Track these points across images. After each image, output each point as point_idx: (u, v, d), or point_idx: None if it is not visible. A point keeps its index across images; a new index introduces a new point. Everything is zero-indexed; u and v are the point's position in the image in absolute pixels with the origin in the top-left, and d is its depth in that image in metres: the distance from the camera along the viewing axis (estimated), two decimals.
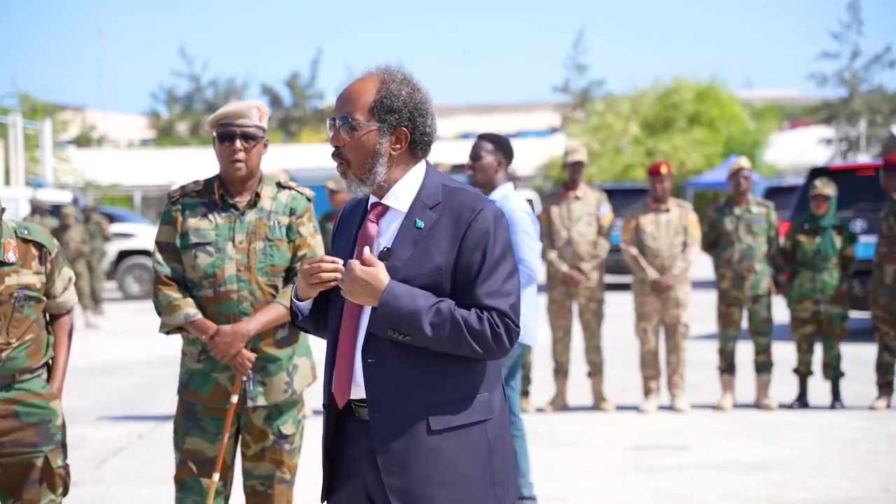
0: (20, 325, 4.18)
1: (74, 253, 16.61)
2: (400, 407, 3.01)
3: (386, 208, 3.11)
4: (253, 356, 4.45)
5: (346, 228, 3.21)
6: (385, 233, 3.09)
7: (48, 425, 4.24)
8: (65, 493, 4.33)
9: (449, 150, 39.76)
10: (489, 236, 3.02)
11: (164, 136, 53.16)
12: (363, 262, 2.99)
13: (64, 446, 4.32)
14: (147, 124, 58.19)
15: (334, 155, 3.08)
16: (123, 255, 21.43)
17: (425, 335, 2.96)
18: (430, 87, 3.14)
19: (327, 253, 3.27)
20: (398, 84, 3.07)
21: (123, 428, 8.98)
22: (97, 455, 7.97)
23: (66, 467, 4.32)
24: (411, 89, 3.08)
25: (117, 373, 11.98)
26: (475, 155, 6.19)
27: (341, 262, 3.04)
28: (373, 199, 3.13)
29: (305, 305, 3.17)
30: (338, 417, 3.14)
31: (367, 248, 3.02)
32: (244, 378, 4.47)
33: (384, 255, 3.04)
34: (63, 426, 4.32)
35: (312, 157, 36.80)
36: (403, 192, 3.09)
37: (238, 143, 4.43)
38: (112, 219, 21.84)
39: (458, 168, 19.33)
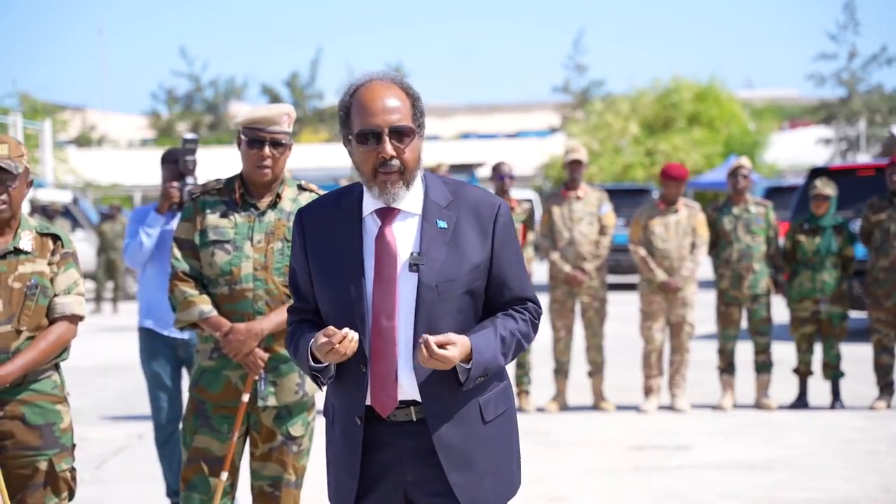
0: (32, 316, 4.15)
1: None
2: (456, 403, 3.09)
3: (397, 212, 3.11)
4: (266, 356, 4.44)
5: (331, 237, 3.15)
6: (401, 238, 3.09)
7: (53, 428, 4.21)
8: (70, 497, 4.28)
9: (449, 150, 39.79)
10: (511, 230, 3.17)
11: (164, 136, 53.11)
12: (430, 348, 2.96)
13: (70, 450, 4.27)
14: (147, 124, 58.17)
15: (384, 165, 3.05)
16: None
17: (502, 365, 3.13)
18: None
19: (297, 259, 3.22)
20: (417, 91, 3.13)
21: (123, 428, 8.98)
22: (97, 455, 7.97)
23: (72, 471, 4.27)
24: None
25: (117, 373, 11.98)
26: None
27: (352, 333, 3.00)
28: (377, 204, 3.11)
29: (329, 368, 3.10)
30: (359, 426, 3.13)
31: (429, 338, 2.96)
32: (256, 377, 4.46)
33: (417, 261, 3.06)
34: (69, 429, 4.27)
35: (312, 157, 36.81)
36: (413, 194, 3.12)
37: (267, 150, 4.45)
38: None
39: (456, 168, 19.34)
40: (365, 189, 3.13)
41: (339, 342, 2.98)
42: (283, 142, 4.48)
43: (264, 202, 4.52)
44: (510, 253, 3.16)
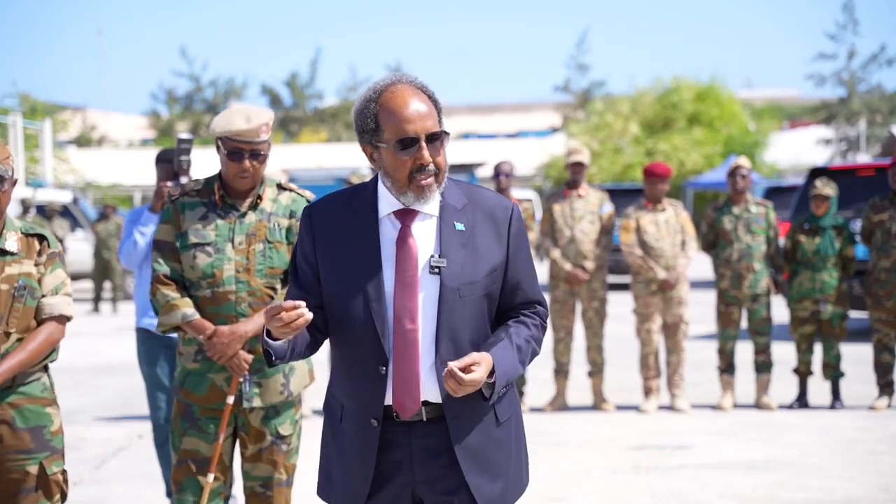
0: (21, 318, 4.11)
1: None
2: (474, 406, 3.10)
3: (416, 214, 3.10)
4: (250, 357, 4.44)
5: (345, 236, 3.13)
6: (420, 239, 3.09)
7: (43, 431, 4.16)
8: (63, 500, 4.24)
9: (449, 149, 39.78)
10: (524, 233, 3.20)
11: (164, 136, 53.14)
12: (457, 376, 2.94)
13: (60, 452, 4.23)
14: (147, 124, 58.21)
15: (421, 171, 3.04)
16: None
17: (521, 373, 3.17)
18: (430, 86, 3.15)
19: (304, 255, 3.18)
20: (434, 92, 3.11)
21: (123, 428, 8.97)
22: (97, 455, 7.97)
23: (63, 473, 4.23)
24: None
25: (117, 373, 11.97)
26: None
27: (302, 303, 2.92)
28: (395, 205, 3.09)
29: (280, 346, 3.05)
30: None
31: (453, 366, 2.94)
32: (240, 379, 4.46)
33: (438, 263, 3.06)
34: (60, 432, 4.24)
35: (312, 157, 36.83)
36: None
37: (247, 163, 4.44)
38: None
39: (455, 168, 19.34)
40: (385, 191, 3.11)
41: (289, 313, 2.88)
42: (263, 152, 4.46)
43: (245, 203, 4.51)
44: (524, 256, 3.19)
